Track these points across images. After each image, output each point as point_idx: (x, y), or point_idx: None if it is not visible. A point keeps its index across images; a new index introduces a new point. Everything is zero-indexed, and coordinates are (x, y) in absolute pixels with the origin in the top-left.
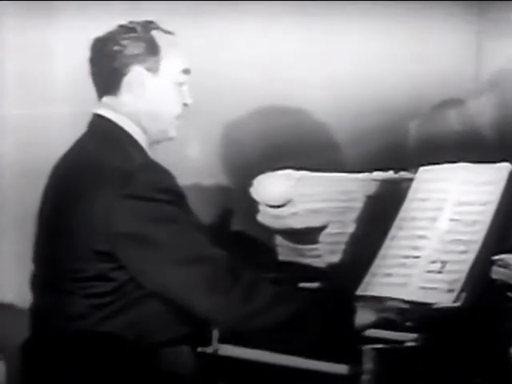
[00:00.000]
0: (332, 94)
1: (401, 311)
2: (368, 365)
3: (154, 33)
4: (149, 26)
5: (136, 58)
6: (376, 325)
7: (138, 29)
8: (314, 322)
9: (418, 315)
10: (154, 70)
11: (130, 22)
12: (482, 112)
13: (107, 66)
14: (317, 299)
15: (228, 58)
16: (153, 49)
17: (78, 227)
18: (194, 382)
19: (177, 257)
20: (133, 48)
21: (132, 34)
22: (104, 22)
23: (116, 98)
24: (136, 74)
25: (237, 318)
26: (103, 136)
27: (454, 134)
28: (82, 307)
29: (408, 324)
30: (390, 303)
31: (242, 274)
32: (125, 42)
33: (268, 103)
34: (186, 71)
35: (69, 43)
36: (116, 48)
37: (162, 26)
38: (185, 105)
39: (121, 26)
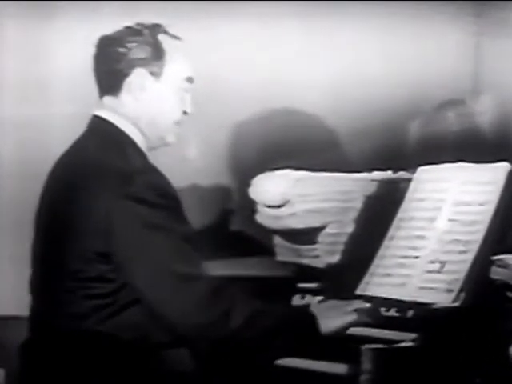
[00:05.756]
0: (331, 94)
1: (365, 311)
2: (366, 365)
3: (161, 37)
4: (156, 29)
5: (140, 62)
6: (343, 329)
7: (145, 32)
8: (286, 335)
9: (417, 315)
10: (157, 74)
11: (137, 24)
12: (480, 112)
13: (111, 66)
14: (286, 313)
15: (227, 59)
16: (158, 53)
17: (77, 228)
18: (194, 381)
19: (165, 269)
20: (138, 51)
21: (138, 38)
22: (104, 22)
23: (116, 99)
24: (138, 77)
25: (213, 338)
26: (102, 137)
27: (452, 134)
28: (83, 308)
29: (377, 321)
30: (354, 304)
31: (221, 296)
32: (130, 45)
33: (267, 104)
34: (190, 79)
35: (69, 43)
36: (121, 50)
37: (174, 32)
38: (184, 113)
39: (128, 28)
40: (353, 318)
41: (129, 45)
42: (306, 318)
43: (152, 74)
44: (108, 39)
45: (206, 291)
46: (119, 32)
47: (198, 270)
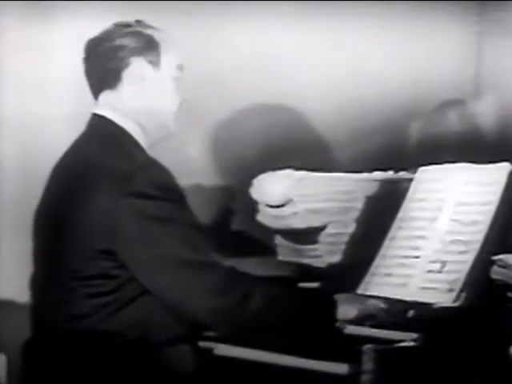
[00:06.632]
0: (332, 94)
1: (384, 309)
2: (368, 365)
3: (149, 30)
4: (141, 24)
5: (137, 51)
6: (358, 320)
7: (134, 25)
8: (302, 322)
9: (418, 315)
10: (155, 63)
11: (123, 21)
12: (482, 112)
13: (107, 62)
14: (306, 298)
15: (228, 58)
16: (152, 43)
17: (80, 227)
18: (194, 380)
19: (176, 258)
20: (133, 41)
21: (129, 29)
22: (103, 22)
23: (115, 93)
24: (137, 67)
25: (233, 321)
26: (103, 136)
27: (454, 134)
28: (84, 307)
29: (391, 322)
30: (373, 301)
31: (238, 279)
32: (125, 37)
33: (268, 103)
34: (180, 66)
35: (68, 43)
36: (116, 43)
37: (157, 24)
38: (184, 100)
39: (116, 24)
40: (370, 310)
41: (122, 37)
42: (326, 302)
43: (150, 62)
44: (98, 38)
45: (221, 276)
46: (108, 29)
47: (209, 257)
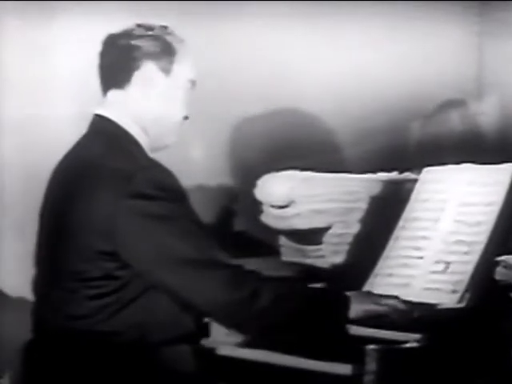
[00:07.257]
0: (335, 94)
1: (397, 310)
2: (371, 365)
3: (169, 37)
4: (165, 29)
5: (151, 55)
6: (370, 317)
7: (156, 29)
8: (307, 322)
9: (422, 316)
10: (166, 70)
11: (147, 24)
12: (484, 112)
13: (120, 59)
14: (316, 295)
15: (231, 59)
16: (169, 50)
17: (81, 228)
18: (194, 381)
19: (178, 257)
20: (150, 45)
21: (150, 32)
22: (104, 22)
23: (123, 93)
24: (148, 71)
25: (239, 318)
26: (105, 137)
27: (456, 134)
28: (86, 307)
29: (403, 323)
30: (389, 301)
31: (246, 277)
32: (142, 39)
33: (272, 104)
34: (194, 82)
35: (69, 43)
36: (133, 43)
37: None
38: (186, 117)
39: (138, 25)
40: (384, 309)
41: (140, 38)
42: (340, 298)
43: (161, 69)
44: (118, 35)
45: (227, 273)
46: (130, 28)
47: (214, 255)
